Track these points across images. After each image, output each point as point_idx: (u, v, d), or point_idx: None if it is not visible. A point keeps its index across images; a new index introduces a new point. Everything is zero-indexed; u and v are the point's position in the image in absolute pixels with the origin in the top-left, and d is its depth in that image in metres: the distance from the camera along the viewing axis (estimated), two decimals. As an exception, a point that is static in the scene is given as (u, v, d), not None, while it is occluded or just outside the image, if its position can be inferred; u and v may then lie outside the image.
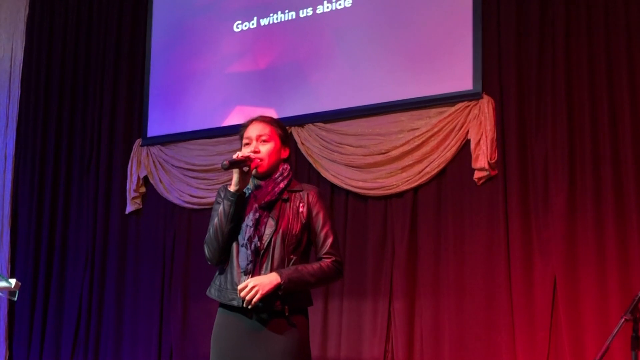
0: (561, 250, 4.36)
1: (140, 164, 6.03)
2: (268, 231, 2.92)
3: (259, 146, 3.00)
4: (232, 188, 2.95)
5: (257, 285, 2.80)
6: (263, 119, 3.09)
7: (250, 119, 3.12)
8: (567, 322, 4.28)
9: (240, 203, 2.95)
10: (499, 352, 4.44)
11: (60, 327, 6.23)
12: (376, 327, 4.86)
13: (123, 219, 6.09)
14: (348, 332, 4.96)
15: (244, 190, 2.97)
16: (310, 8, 5.44)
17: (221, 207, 2.96)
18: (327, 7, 5.36)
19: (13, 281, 4.06)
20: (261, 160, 2.98)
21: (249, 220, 2.93)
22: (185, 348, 5.63)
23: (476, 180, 4.66)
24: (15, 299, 4.24)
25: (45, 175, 6.51)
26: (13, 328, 6.45)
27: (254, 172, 2.98)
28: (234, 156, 2.93)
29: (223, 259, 2.99)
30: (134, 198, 6.00)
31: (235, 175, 2.94)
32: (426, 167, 4.81)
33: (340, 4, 5.31)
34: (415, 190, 4.87)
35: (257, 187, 3.00)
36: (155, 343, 5.77)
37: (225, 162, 2.88)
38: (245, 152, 2.97)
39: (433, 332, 4.68)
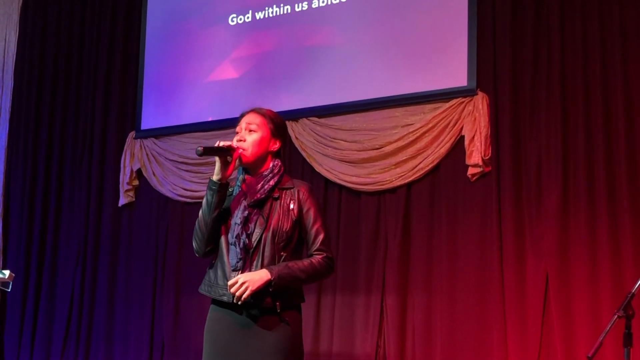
0: (554, 247, 4.36)
1: (134, 156, 6.01)
2: (258, 229, 2.88)
3: (245, 135, 2.96)
4: (214, 177, 2.91)
5: (247, 282, 2.78)
6: (257, 110, 3.04)
7: (247, 110, 3.07)
8: (559, 319, 4.29)
9: (223, 192, 2.91)
10: (491, 348, 4.45)
11: (51, 320, 6.21)
12: (368, 322, 4.86)
13: (116, 212, 6.07)
14: (340, 326, 4.96)
15: (228, 181, 2.93)
16: (306, 2, 5.42)
17: (204, 198, 2.93)
18: (323, 2, 5.35)
19: (7, 272, 4.07)
20: (244, 149, 2.93)
21: (237, 218, 2.90)
22: (178, 342, 5.62)
23: (470, 176, 4.66)
24: (9, 289, 4.25)
25: (38, 167, 6.48)
26: (4, 319, 6.44)
27: (237, 162, 2.93)
28: (216, 144, 2.88)
29: (209, 251, 2.97)
30: (126, 191, 5.99)
31: (217, 164, 2.90)
32: (420, 162, 4.81)
33: (335, -2, 5.30)
34: (409, 186, 4.87)
35: (244, 182, 2.96)
36: (147, 337, 5.76)
37: (199, 148, 2.82)
38: (233, 141, 2.93)
39: (425, 327, 4.69)
